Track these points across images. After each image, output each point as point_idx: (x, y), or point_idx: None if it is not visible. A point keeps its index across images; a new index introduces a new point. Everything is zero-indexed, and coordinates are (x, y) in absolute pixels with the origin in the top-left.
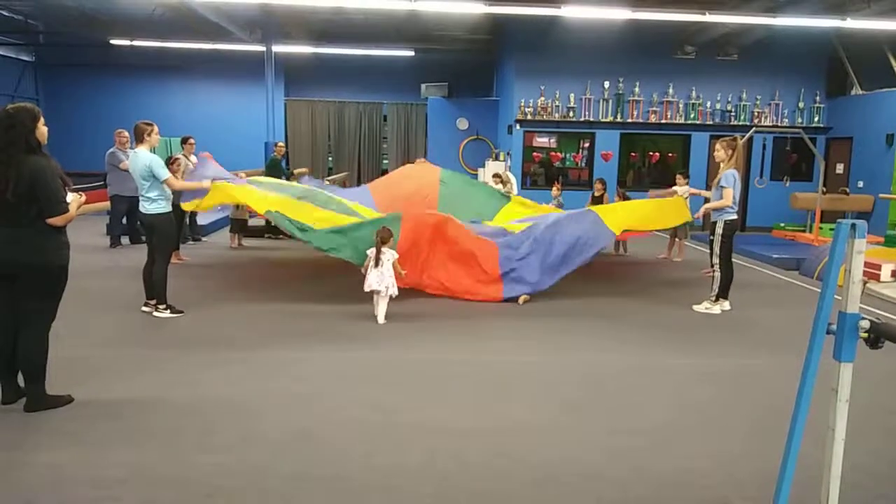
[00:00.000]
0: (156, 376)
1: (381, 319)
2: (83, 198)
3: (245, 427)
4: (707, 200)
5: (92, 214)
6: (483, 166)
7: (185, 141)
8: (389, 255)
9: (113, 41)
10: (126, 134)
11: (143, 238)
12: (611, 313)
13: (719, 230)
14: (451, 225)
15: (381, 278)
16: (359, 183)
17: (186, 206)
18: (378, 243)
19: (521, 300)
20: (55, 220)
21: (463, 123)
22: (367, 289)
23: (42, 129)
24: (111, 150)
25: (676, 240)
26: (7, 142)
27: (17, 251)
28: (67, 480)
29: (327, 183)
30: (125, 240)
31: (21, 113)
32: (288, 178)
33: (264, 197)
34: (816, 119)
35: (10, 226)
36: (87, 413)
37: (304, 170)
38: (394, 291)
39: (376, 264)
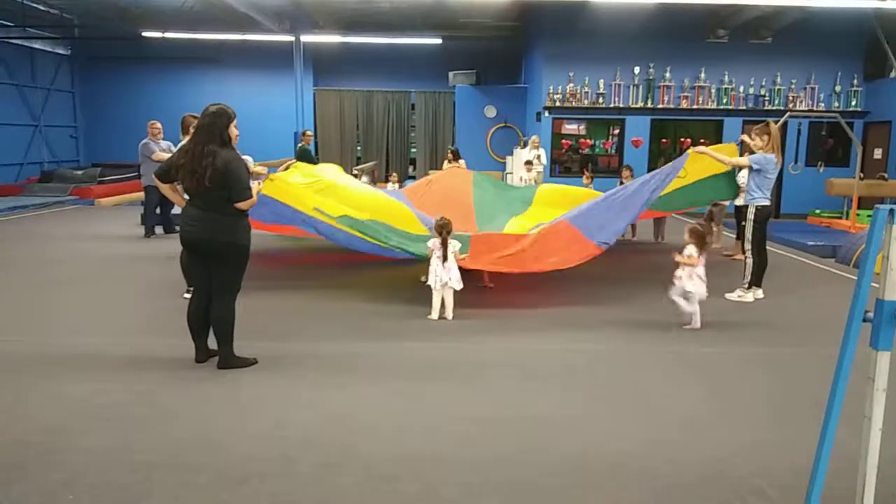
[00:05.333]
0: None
1: (448, 315)
2: (261, 186)
3: (277, 414)
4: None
5: (126, 205)
6: (511, 154)
7: None
8: (453, 245)
9: (145, 33)
10: (158, 125)
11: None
12: (643, 302)
13: (751, 216)
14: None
15: (449, 272)
16: (387, 170)
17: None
18: (444, 235)
19: (488, 282)
20: (242, 205)
21: (491, 111)
22: (433, 284)
23: (234, 130)
24: (144, 140)
25: (713, 225)
26: (208, 137)
27: (214, 231)
28: (104, 464)
29: (356, 172)
30: (159, 230)
31: (220, 113)
32: None
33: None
34: (854, 103)
35: (206, 209)
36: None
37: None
38: (457, 285)
39: (444, 259)
